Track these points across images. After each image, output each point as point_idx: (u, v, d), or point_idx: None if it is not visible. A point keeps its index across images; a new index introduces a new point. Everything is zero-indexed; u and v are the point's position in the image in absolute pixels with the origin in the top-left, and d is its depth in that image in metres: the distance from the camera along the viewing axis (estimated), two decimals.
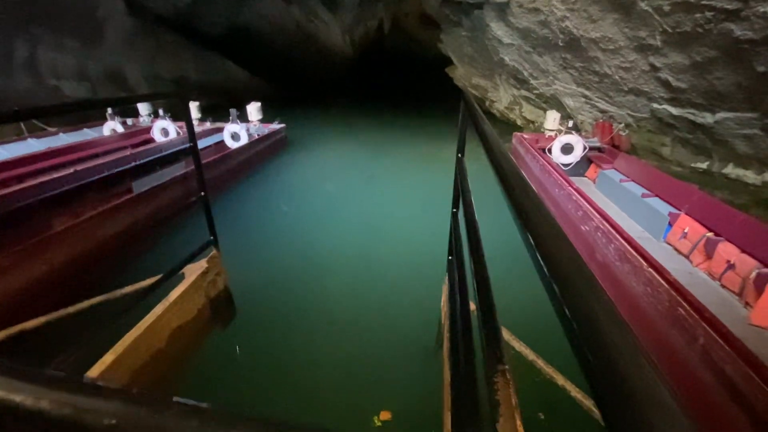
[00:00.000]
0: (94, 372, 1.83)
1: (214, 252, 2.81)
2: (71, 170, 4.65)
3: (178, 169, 5.23)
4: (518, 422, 0.60)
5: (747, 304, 2.89)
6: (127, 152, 6.24)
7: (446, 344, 2.17)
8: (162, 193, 4.65)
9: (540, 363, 1.98)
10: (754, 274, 2.86)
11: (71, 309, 2.30)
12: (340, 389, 2.58)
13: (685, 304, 2.24)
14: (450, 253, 2.23)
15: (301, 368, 2.73)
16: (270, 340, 2.95)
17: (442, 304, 2.68)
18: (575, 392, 1.81)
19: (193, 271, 2.67)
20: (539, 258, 0.44)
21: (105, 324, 2.08)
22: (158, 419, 0.26)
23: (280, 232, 4.77)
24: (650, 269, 2.66)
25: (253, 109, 7.79)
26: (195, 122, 6.57)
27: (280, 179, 6.92)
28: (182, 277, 2.62)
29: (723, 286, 3.15)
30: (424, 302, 3.21)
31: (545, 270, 0.42)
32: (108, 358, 1.95)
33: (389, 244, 4.49)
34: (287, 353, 2.85)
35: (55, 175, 4.54)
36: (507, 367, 0.70)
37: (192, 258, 2.67)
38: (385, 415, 2.36)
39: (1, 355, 2.21)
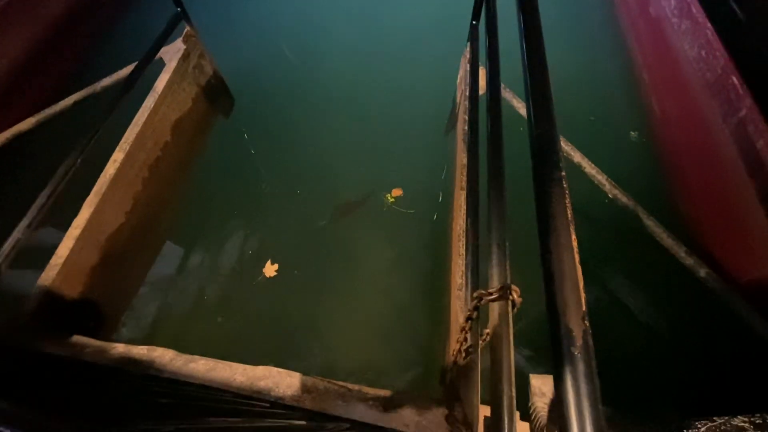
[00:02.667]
0: (109, 170, 1.83)
1: (188, 29, 2.35)
2: None
3: None
4: (573, 235, 0.52)
5: None
6: None
7: (461, 125, 2.06)
8: None
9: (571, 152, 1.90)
10: None
11: (57, 107, 2.12)
12: (350, 168, 2.63)
13: (737, 72, 1.96)
14: (475, 15, 1.80)
15: (311, 150, 2.72)
16: (275, 125, 2.85)
17: (458, 80, 2.41)
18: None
19: (171, 54, 2.31)
20: None
21: (99, 121, 1.95)
22: None
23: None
24: (710, 27, 2.21)
25: None
26: None
27: None
28: (162, 63, 2.29)
29: None
30: (435, 76, 2.92)
31: None
32: (118, 156, 1.92)
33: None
34: (294, 136, 2.79)
35: None
36: (563, 174, 0.57)
37: (165, 38, 2.26)
38: (396, 192, 2.51)
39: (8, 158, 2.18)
